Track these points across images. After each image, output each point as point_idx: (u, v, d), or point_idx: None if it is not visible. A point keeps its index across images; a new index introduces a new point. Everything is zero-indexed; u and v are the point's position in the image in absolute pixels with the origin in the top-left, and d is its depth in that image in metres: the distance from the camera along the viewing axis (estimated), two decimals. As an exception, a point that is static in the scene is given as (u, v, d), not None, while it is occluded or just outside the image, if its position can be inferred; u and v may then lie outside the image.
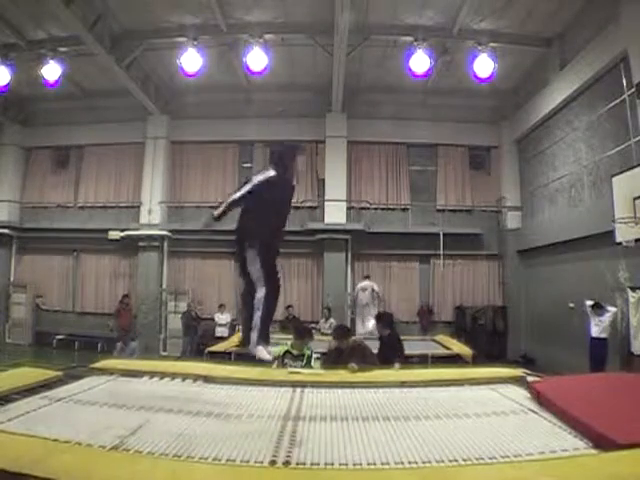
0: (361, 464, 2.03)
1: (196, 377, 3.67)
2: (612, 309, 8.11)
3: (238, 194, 2.98)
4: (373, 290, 11.36)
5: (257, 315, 2.84)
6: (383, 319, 5.75)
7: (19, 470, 1.76)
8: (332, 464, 2.05)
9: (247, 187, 2.98)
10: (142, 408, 2.83)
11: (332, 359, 4.78)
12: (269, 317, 2.91)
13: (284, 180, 3.01)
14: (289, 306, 11.70)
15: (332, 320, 10.46)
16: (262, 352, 2.82)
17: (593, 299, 8.34)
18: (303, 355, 4.55)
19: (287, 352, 4.43)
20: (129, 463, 1.96)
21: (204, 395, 3.24)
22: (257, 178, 2.98)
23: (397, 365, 4.54)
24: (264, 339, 2.91)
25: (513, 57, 11.14)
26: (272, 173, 2.98)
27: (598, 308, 8.27)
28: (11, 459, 1.85)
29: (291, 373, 3.99)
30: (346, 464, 2.04)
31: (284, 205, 3.10)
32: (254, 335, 2.85)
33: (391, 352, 5.09)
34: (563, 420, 2.56)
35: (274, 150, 3.29)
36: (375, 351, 5.40)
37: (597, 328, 8.25)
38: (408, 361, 5.51)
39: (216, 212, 3.05)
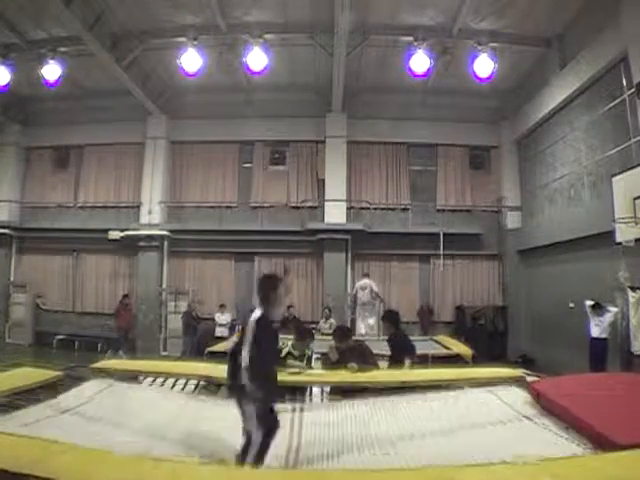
0: (362, 466, 2.04)
1: (198, 378, 3.67)
2: (612, 309, 8.11)
3: (246, 359, 2.76)
4: (372, 290, 11.36)
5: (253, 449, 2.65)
6: (388, 318, 5.47)
7: (19, 470, 1.76)
8: (334, 466, 2.06)
9: (249, 343, 2.81)
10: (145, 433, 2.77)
11: (332, 359, 4.78)
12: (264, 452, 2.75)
13: (268, 318, 2.94)
14: (290, 306, 11.68)
15: (332, 320, 10.45)
16: None
17: (593, 299, 8.34)
18: (304, 355, 4.55)
19: (289, 354, 4.43)
20: (130, 464, 1.96)
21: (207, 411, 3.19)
22: (251, 323, 2.88)
23: (408, 363, 4.49)
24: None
25: (513, 57, 11.13)
26: (258, 314, 2.91)
27: (598, 308, 8.27)
28: (11, 459, 1.85)
29: (291, 374, 4.00)
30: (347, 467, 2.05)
31: (271, 347, 2.98)
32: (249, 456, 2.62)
33: (399, 351, 4.98)
34: (563, 420, 2.56)
35: (258, 285, 3.18)
36: (382, 352, 5.36)
37: (597, 328, 8.25)
38: (419, 359, 5.33)
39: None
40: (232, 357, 2.92)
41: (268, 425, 2.67)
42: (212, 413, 3.23)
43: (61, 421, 2.79)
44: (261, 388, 2.70)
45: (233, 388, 2.88)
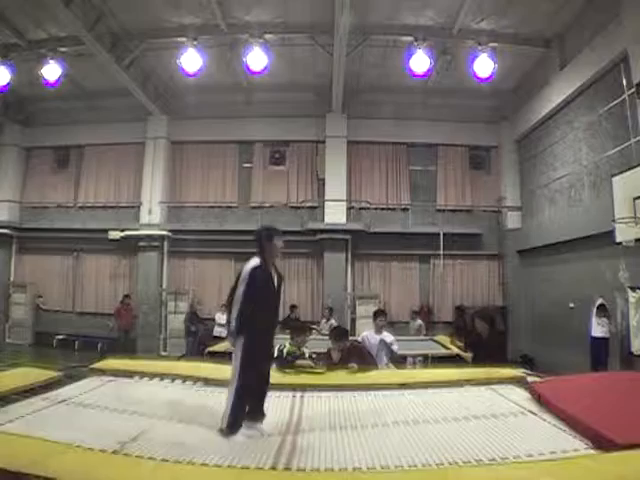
0: (361, 468, 2.04)
1: (198, 378, 3.66)
2: (612, 316, 8.18)
3: (239, 305, 2.75)
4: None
5: (231, 396, 2.67)
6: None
7: (19, 470, 1.76)
8: (332, 469, 2.05)
9: (242, 287, 2.79)
10: (143, 414, 2.81)
11: (334, 359, 4.79)
12: (243, 404, 2.70)
13: (264, 268, 2.93)
14: (294, 306, 11.68)
15: (333, 321, 10.42)
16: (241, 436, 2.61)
17: (602, 296, 8.35)
18: (303, 354, 4.55)
19: (289, 354, 4.43)
20: (130, 466, 1.96)
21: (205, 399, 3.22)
22: (245, 273, 2.85)
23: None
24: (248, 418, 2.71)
25: (513, 57, 11.13)
26: (255, 263, 2.90)
27: (603, 310, 8.29)
28: (11, 459, 1.85)
29: (301, 371, 4.01)
30: (346, 469, 2.05)
31: (272, 297, 2.97)
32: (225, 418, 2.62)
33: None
34: (563, 420, 2.56)
35: (255, 236, 3.17)
36: None
37: (599, 327, 8.26)
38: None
39: (230, 336, 2.78)
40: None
41: (248, 379, 2.69)
42: (212, 399, 3.25)
43: (58, 410, 2.80)
44: (249, 338, 2.70)
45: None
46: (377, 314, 5.98)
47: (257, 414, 2.75)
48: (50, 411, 2.76)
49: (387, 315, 6.40)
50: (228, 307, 2.87)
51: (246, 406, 2.73)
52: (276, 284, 3.09)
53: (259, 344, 2.82)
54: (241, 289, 2.82)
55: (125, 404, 2.96)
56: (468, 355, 6.28)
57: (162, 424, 2.66)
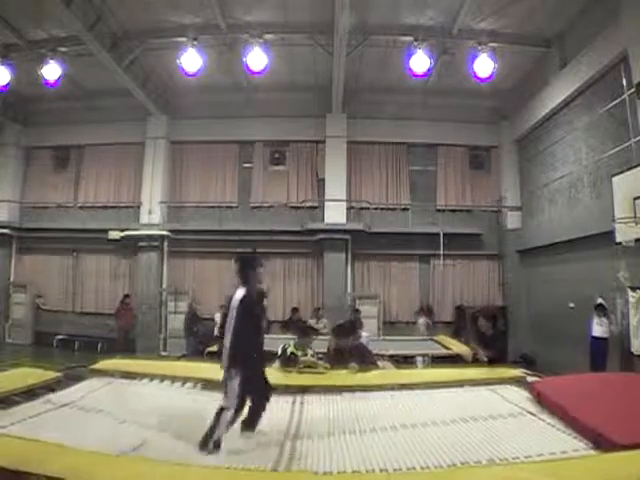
0: (359, 471, 2.04)
1: (196, 381, 3.66)
2: (613, 316, 8.18)
3: (230, 337, 2.82)
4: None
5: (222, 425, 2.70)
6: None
7: (19, 470, 1.76)
8: (331, 473, 2.05)
9: (234, 320, 2.87)
10: (144, 425, 2.79)
11: (332, 359, 4.77)
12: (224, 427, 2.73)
13: (251, 296, 3.00)
14: (295, 309, 11.69)
15: (325, 320, 10.45)
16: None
17: (602, 296, 8.36)
18: (306, 355, 4.56)
19: (292, 354, 4.45)
20: (130, 464, 1.96)
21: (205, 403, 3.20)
22: (232, 307, 2.92)
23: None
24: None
25: (513, 57, 11.13)
26: (241, 294, 2.96)
27: (602, 309, 8.29)
28: (11, 459, 1.85)
29: (305, 371, 4.02)
30: (344, 471, 2.05)
31: (256, 323, 3.05)
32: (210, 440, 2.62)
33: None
34: (563, 420, 2.56)
35: (237, 265, 3.21)
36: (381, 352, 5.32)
37: (599, 328, 8.26)
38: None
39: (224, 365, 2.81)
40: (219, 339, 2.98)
41: (254, 396, 2.78)
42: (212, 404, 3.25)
43: (60, 414, 2.80)
44: (244, 368, 2.78)
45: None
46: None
47: (254, 426, 2.84)
48: (51, 415, 2.76)
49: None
50: (221, 337, 2.95)
51: (223, 428, 2.74)
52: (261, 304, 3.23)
53: (254, 367, 2.93)
54: (233, 322, 2.89)
55: (125, 410, 2.95)
56: (468, 355, 6.28)
57: (161, 436, 2.65)
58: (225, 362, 2.82)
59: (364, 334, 6.15)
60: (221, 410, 2.77)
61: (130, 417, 2.86)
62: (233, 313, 2.90)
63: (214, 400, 3.30)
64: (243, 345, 2.84)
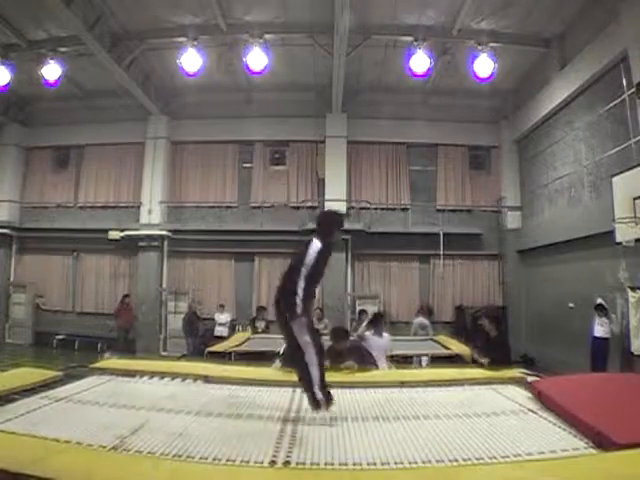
0: (361, 464, 2.04)
1: (196, 377, 3.68)
2: (613, 316, 8.17)
3: (302, 283, 2.92)
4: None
5: (314, 369, 2.89)
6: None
7: (19, 470, 1.76)
8: (332, 464, 2.06)
9: (307, 268, 2.97)
10: (142, 408, 2.83)
11: (330, 360, 4.78)
12: (322, 369, 2.97)
13: (327, 249, 3.10)
14: None
15: (326, 320, 10.43)
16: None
17: (602, 296, 8.36)
18: None
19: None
20: (130, 463, 1.96)
21: (204, 395, 3.24)
22: (310, 255, 3.00)
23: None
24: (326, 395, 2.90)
25: (513, 57, 11.14)
26: (319, 245, 3.05)
27: (601, 309, 8.29)
28: (11, 459, 1.85)
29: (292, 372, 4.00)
30: (346, 464, 2.05)
31: (322, 273, 3.20)
32: (317, 391, 2.85)
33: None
34: (563, 420, 2.56)
35: (321, 218, 3.37)
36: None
37: (600, 328, 8.27)
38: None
39: (297, 311, 2.90)
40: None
41: (316, 342, 2.93)
42: (212, 393, 3.28)
43: (57, 407, 2.81)
44: (306, 309, 2.93)
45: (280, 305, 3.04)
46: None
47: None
48: (49, 408, 2.77)
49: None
50: (289, 282, 3.00)
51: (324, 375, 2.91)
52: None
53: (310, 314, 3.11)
54: (305, 270, 2.96)
55: (125, 399, 2.98)
56: (468, 355, 6.27)
57: (161, 416, 2.68)
58: (296, 305, 2.87)
59: (385, 335, 6.20)
60: (303, 363, 2.87)
61: (129, 403, 2.89)
62: (307, 260, 2.95)
63: (212, 389, 3.37)
64: (312, 291, 2.99)
